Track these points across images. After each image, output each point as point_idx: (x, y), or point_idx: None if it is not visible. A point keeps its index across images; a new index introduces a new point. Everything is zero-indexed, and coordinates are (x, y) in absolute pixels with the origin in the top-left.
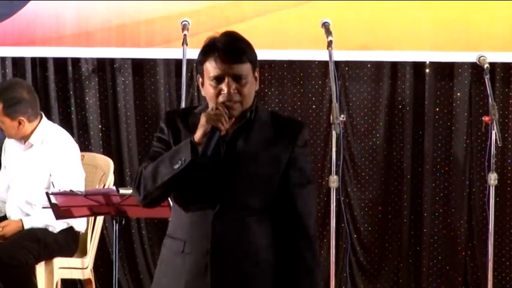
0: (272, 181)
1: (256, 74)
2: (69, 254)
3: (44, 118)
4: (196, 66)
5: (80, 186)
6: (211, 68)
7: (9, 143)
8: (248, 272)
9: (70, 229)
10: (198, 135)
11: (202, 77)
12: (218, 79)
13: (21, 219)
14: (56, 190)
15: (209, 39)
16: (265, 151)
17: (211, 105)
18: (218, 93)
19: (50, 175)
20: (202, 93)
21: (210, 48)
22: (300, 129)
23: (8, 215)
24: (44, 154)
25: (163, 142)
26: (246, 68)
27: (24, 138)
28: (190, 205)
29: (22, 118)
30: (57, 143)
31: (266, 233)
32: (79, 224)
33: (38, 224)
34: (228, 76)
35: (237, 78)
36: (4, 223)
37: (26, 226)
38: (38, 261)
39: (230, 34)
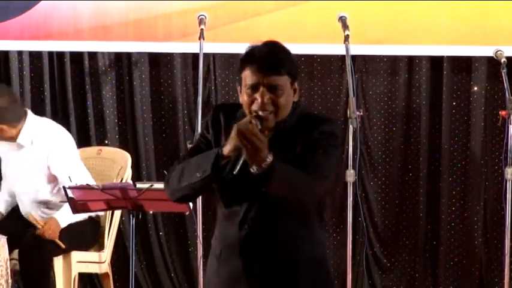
0: None
1: (296, 86)
2: (92, 246)
3: (30, 115)
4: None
5: (83, 174)
6: (247, 76)
7: (1, 147)
8: (288, 277)
9: (92, 220)
10: (227, 148)
11: (240, 84)
12: (253, 88)
13: (54, 217)
14: (68, 183)
15: (250, 47)
16: (292, 158)
17: (246, 112)
18: (252, 101)
19: (49, 169)
20: (240, 100)
21: (249, 57)
22: (320, 123)
23: (25, 214)
24: (38, 151)
25: (205, 140)
26: (282, 80)
27: (12, 140)
28: (224, 209)
29: (2, 126)
30: (49, 137)
31: (303, 233)
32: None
33: (69, 219)
34: (262, 86)
35: (273, 89)
36: (42, 223)
37: (62, 224)
38: (64, 252)
39: (271, 44)
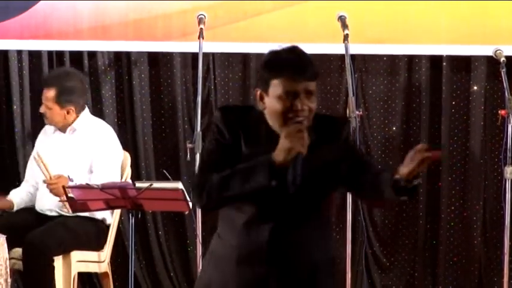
0: (328, 187)
1: None
2: (95, 247)
3: (87, 110)
4: (258, 79)
5: (117, 177)
6: (281, 84)
7: (46, 133)
8: (307, 281)
9: (99, 222)
10: (280, 157)
11: (265, 91)
12: (291, 95)
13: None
14: (100, 179)
15: (273, 54)
16: (317, 160)
17: (276, 119)
18: (288, 108)
19: (91, 161)
20: (260, 106)
21: (280, 65)
22: (341, 125)
23: (40, 208)
24: (87, 139)
25: (223, 148)
26: (315, 85)
27: (65, 126)
28: (247, 216)
29: (72, 108)
30: (101, 132)
31: (323, 234)
32: (108, 217)
33: None
34: (302, 93)
35: (308, 94)
36: (52, 174)
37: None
38: (65, 252)
39: (296, 49)
